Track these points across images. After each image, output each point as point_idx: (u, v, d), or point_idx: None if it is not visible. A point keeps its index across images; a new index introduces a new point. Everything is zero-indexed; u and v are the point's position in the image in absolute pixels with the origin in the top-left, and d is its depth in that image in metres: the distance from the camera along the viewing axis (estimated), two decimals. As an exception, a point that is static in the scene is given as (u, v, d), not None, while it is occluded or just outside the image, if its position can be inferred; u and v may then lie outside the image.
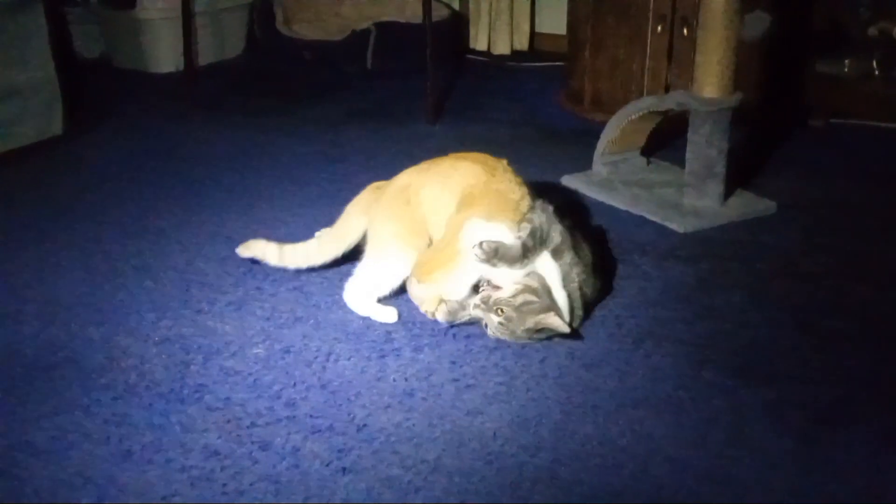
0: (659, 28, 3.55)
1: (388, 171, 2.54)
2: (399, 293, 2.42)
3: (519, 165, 3.13)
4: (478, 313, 2.23)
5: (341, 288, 2.46)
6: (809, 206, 3.04)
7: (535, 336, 2.22)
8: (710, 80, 2.82)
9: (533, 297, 2.19)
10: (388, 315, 2.36)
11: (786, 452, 1.92)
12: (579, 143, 3.42)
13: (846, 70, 3.78)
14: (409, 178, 2.43)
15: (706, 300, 2.48)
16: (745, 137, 3.25)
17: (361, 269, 2.40)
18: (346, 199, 2.52)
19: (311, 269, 2.51)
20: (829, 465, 1.89)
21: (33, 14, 3.44)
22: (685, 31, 3.50)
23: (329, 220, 2.56)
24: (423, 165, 2.45)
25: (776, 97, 3.65)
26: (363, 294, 2.39)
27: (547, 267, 2.24)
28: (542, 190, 3.01)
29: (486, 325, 2.23)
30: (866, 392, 2.12)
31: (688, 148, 2.91)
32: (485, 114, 3.84)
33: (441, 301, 2.31)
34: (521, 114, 3.88)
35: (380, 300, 2.40)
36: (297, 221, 2.89)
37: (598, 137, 3.17)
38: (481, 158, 2.41)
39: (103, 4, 4.41)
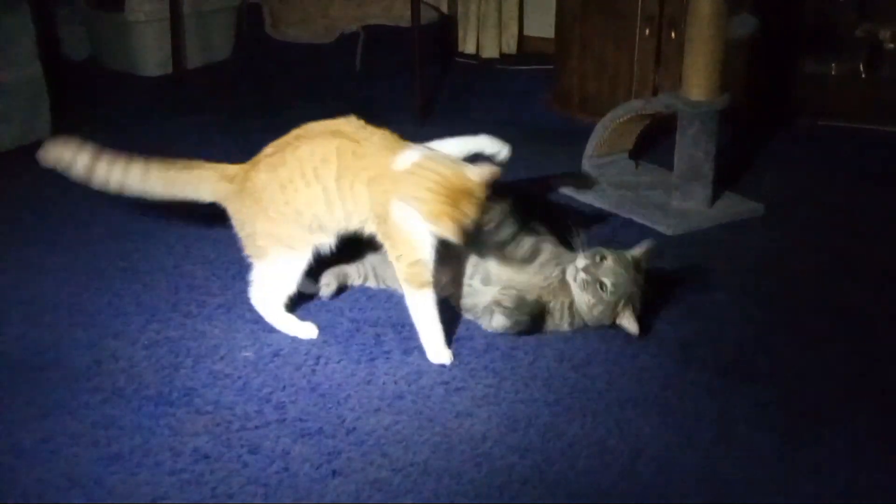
0: (647, 30, 3.56)
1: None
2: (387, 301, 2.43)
3: (507, 167, 3.13)
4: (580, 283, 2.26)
5: (330, 290, 2.48)
6: (796, 207, 3.05)
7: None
8: (698, 82, 2.83)
9: None
10: (307, 330, 2.31)
11: (771, 451, 1.94)
12: (567, 145, 3.42)
13: (833, 71, 3.79)
14: (266, 174, 2.27)
15: (692, 301, 2.49)
16: (732, 138, 3.26)
17: (255, 275, 2.32)
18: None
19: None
20: (814, 464, 1.90)
21: (20, 15, 3.43)
22: (673, 33, 3.50)
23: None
24: (272, 163, 2.28)
25: (763, 98, 3.66)
26: (270, 303, 2.32)
27: None
28: (531, 193, 3.03)
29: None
30: (851, 391, 2.14)
31: (675, 150, 2.92)
32: (473, 116, 3.84)
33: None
34: (510, 116, 3.88)
35: (294, 310, 2.35)
36: (286, 224, 2.88)
37: (586, 139, 3.17)
38: (329, 129, 2.28)
39: (91, 6, 4.39)
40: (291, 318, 2.33)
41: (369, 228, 2.27)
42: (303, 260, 2.29)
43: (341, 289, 2.50)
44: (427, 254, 2.19)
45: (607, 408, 2.06)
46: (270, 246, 2.28)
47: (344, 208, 2.23)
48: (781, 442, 1.96)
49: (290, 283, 2.31)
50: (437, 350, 2.22)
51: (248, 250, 2.32)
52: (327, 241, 2.30)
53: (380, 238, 2.26)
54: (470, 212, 2.07)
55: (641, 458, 1.90)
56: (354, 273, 2.52)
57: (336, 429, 1.98)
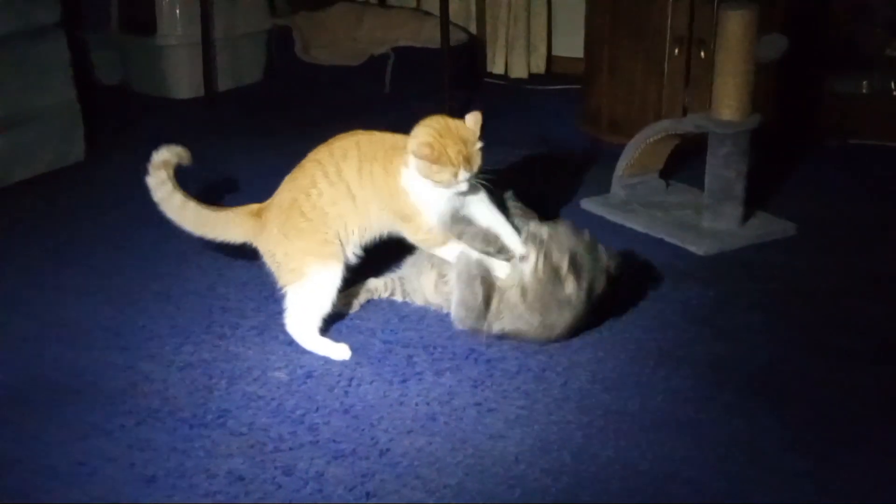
0: (676, 50, 3.56)
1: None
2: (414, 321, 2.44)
3: (536, 187, 3.14)
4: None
5: (361, 312, 2.49)
6: (828, 227, 3.04)
7: None
8: (728, 103, 2.83)
9: None
10: (340, 351, 2.32)
11: (804, 472, 1.92)
12: (597, 166, 3.43)
13: (863, 90, 3.78)
14: (289, 193, 2.37)
15: (725, 322, 2.48)
16: (763, 158, 3.26)
17: (290, 300, 2.35)
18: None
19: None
20: (847, 485, 1.89)
21: (54, 41, 3.49)
22: (702, 53, 3.50)
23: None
24: (293, 178, 2.40)
25: (793, 118, 3.65)
26: (306, 326, 2.34)
27: None
28: (560, 213, 3.04)
29: None
30: (884, 412, 2.12)
31: (706, 170, 2.91)
32: (502, 136, 3.84)
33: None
34: (539, 136, 3.89)
35: (327, 331, 2.38)
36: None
37: (615, 160, 3.17)
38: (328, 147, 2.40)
39: (123, 31, 4.45)
40: (325, 340, 2.34)
41: (384, 217, 2.35)
42: (338, 274, 2.33)
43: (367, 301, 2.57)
44: (436, 218, 2.33)
45: (640, 430, 2.05)
46: (305, 265, 2.31)
47: (364, 197, 2.32)
48: (815, 464, 1.94)
49: (327, 301, 2.33)
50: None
51: (283, 278, 2.35)
52: (350, 249, 2.36)
53: (394, 222, 2.35)
54: (454, 153, 2.24)
55: (674, 481, 1.90)
56: (382, 286, 2.56)
57: (369, 450, 1.98)
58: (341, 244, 2.34)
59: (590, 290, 2.30)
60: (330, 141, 2.40)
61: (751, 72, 2.81)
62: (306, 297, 2.32)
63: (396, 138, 2.35)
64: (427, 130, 2.28)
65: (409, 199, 2.31)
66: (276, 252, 2.35)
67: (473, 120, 2.32)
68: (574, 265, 2.27)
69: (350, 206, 2.33)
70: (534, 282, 2.29)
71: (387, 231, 2.40)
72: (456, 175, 2.25)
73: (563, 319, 2.30)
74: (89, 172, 3.54)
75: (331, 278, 2.32)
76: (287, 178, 2.41)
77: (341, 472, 1.91)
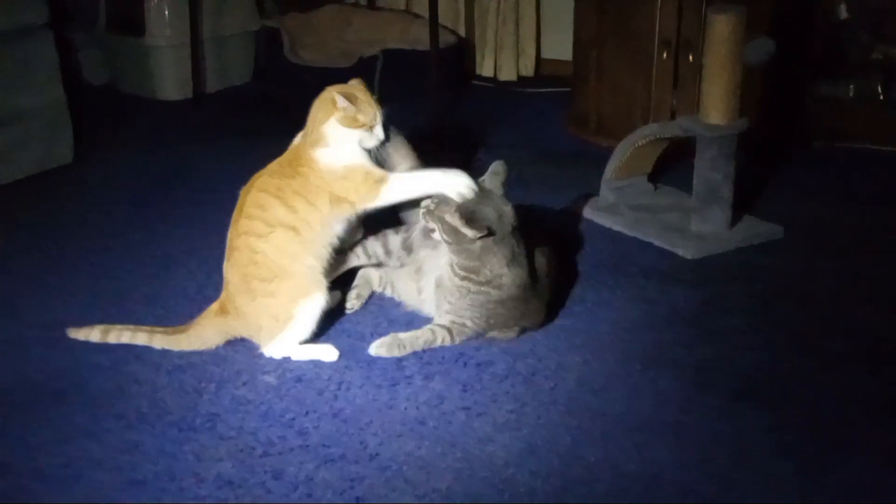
0: (664, 54, 3.57)
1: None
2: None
3: (524, 190, 3.15)
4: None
5: (351, 316, 2.50)
6: (814, 229, 3.05)
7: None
8: (716, 106, 2.84)
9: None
10: (327, 352, 2.33)
11: (789, 475, 1.94)
12: (585, 168, 3.44)
13: (849, 94, 3.79)
14: (235, 275, 2.35)
15: (711, 324, 2.49)
16: (750, 161, 3.27)
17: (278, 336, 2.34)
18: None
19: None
20: (832, 488, 1.90)
21: (42, 41, 3.47)
22: (690, 57, 3.51)
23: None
24: (231, 262, 2.37)
25: (780, 121, 3.66)
26: (289, 350, 2.34)
27: None
28: (548, 215, 3.04)
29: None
30: (869, 414, 2.14)
31: (694, 173, 2.92)
32: (491, 139, 3.85)
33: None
34: (527, 139, 3.90)
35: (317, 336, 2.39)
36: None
37: (603, 162, 3.18)
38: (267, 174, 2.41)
39: (111, 31, 4.43)
40: (309, 346, 2.35)
41: (323, 215, 2.34)
42: (322, 299, 2.33)
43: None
44: (367, 163, 2.37)
45: (626, 432, 2.06)
46: (293, 308, 2.30)
47: (304, 218, 2.32)
48: (800, 467, 1.96)
49: (313, 326, 2.34)
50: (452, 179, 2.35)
51: (276, 334, 2.31)
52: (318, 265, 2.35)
53: (333, 211, 2.34)
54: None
55: (660, 483, 1.91)
56: (377, 280, 2.60)
57: (359, 454, 1.98)
58: (314, 270, 2.33)
59: (500, 222, 2.30)
60: (237, 211, 2.36)
61: (738, 75, 2.82)
62: (296, 329, 2.32)
63: (283, 158, 2.42)
64: (330, 93, 2.38)
65: (338, 166, 2.33)
66: (263, 322, 2.32)
67: (356, 81, 2.44)
68: (464, 215, 2.26)
69: (296, 241, 2.31)
70: (450, 252, 2.35)
71: (331, 237, 2.37)
72: (375, 115, 2.34)
73: (496, 267, 2.32)
74: (77, 173, 3.53)
75: (318, 307, 2.32)
76: (225, 265, 2.37)
77: (331, 476, 1.92)
